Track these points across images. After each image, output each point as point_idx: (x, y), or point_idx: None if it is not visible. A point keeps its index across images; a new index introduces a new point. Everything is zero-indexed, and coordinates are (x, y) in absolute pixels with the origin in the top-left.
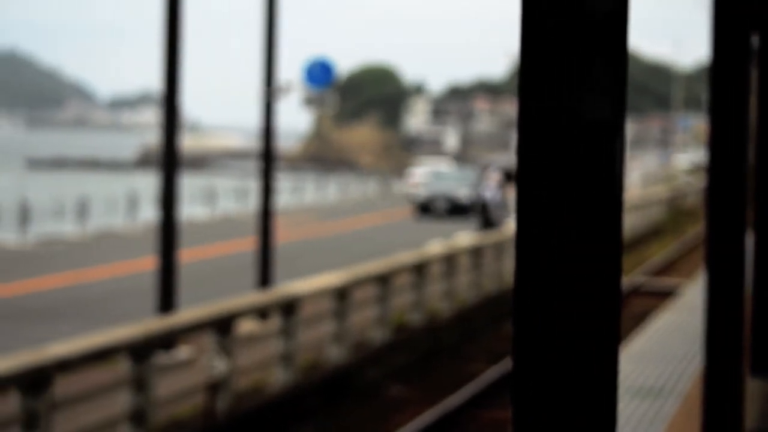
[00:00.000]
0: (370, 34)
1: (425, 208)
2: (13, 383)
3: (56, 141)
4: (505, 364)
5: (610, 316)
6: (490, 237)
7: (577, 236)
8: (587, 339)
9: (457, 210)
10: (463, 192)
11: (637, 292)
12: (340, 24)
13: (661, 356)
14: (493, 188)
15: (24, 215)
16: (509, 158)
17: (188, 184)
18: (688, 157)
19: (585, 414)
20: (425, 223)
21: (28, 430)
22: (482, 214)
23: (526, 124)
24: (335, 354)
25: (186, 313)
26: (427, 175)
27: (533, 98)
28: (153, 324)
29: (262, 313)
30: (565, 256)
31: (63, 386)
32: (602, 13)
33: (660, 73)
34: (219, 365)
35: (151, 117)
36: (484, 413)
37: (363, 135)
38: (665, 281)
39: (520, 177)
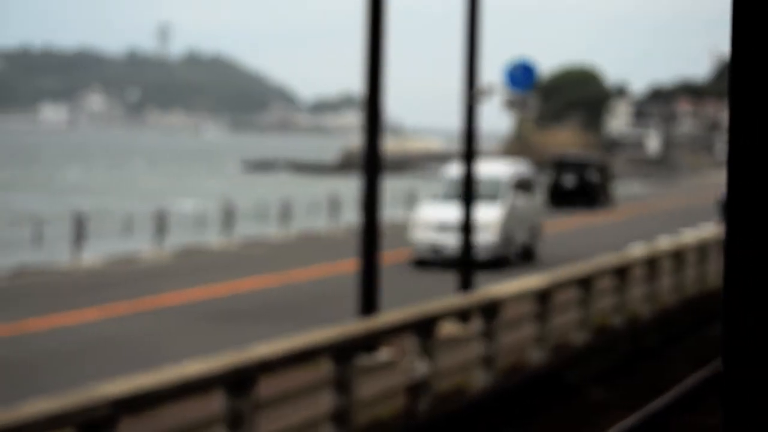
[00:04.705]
0: (571, 34)
1: None
2: (219, 383)
3: (259, 144)
4: (709, 369)
5: None
6: (692, 239)
7: None
8: None
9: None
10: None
11: None
12: (541, 23)
13: None
14: None
15: (228, 217)
16: None
17: (390, 186)
18: None
19: None
20: (632, 226)
21: (233, 430)
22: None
23: (737, 126)
24: (536, 356)
25: (388, 316)
26: None
27: (745, 99)
28: (355, 326)
29: (463, 315)
30: None
31: (265, 387)
32: None
33: None
34: (420, 367)
35: (353, 119)
36: (688, 418)
37: (564, 137)
38: None
39: (731, 179)
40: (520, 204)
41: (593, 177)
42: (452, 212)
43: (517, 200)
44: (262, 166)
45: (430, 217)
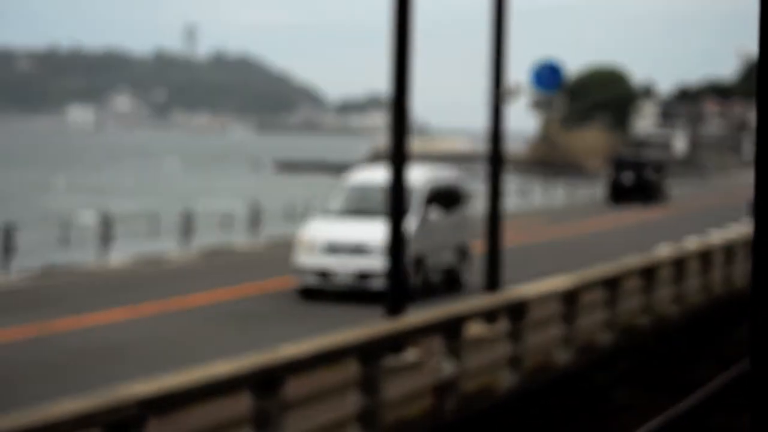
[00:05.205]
0: (597, 35)
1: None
2: (246, 384)
3: (287, 145)
4: (736, 369)
5: None
6: (719, 240)
7: None
8: None
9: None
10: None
11: None
12: (568, 24)
13: None
14: None
15: (255, 218)
16: None
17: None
18: None
19: None
20: (657, 227)
21: (260, 430)
22: None
23: (765, 126)
24: (563, 357)
25: (414, 317)
26: None
27: None
28: (382, 327)
29: (489, 316)
30: None
31: (293, 387)
32: None
33: None
34: (447, 367)
35: (380, 120)
36: (716, 418)
37: (590, 138)
38: None
39: (759, 180)
40: (439, 219)
41: (650, 175)
42: (346, 230)
43: (433, 214)
44: (292, 166)
45: (318, 237)
